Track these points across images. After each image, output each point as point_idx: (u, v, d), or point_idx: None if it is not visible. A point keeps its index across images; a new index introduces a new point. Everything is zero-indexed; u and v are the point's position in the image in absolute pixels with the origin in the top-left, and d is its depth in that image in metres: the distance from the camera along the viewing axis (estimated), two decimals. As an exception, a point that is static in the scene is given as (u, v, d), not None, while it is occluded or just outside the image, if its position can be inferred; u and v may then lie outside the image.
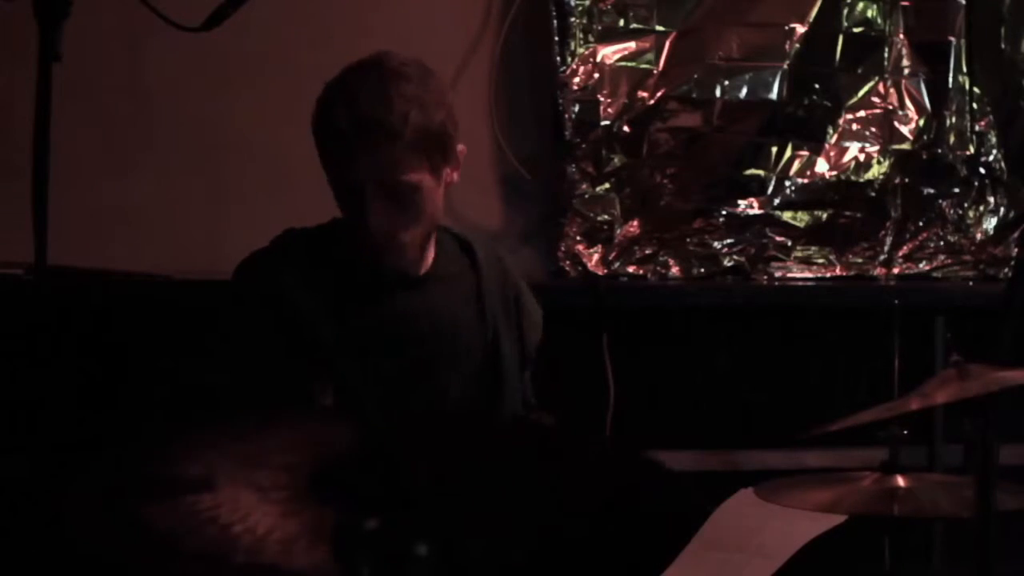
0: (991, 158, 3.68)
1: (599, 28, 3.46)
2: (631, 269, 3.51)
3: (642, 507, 1.49)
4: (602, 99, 3.45)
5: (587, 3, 3.44)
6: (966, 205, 3.68)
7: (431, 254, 2.53)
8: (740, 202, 3.55)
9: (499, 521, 1.49)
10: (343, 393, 2.40)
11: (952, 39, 3.63)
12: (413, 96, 2.34)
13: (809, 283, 3.60)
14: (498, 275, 2.64)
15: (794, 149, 3.58)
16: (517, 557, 1.54)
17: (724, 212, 3.54)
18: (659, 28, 3.50)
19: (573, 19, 3.43)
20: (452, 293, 2.55)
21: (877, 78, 3.62)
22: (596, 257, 3.48)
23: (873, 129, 3.62)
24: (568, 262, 3.46)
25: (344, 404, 2.39)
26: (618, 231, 3.49)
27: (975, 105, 3.67)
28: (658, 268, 3.52)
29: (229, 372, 2.40)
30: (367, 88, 2.35)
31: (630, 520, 1.53)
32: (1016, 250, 3.67)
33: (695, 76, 3.50)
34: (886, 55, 3.62)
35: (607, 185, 3.48)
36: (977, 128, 3.67)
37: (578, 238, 3.47)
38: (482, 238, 2.69)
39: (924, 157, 3.65)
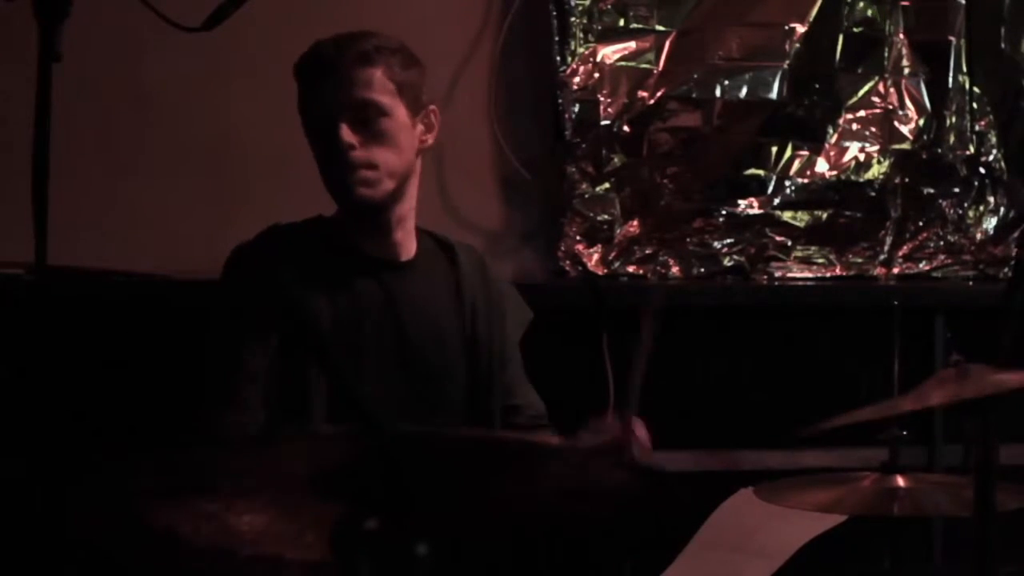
0: (991, 158, 3.68)
1: (599, 28, 3.46)
2: (631, 269, 3.51)
3: (640, 509, 1.49)
4: (602, 99, 3.45)
5: (587, 3, 3.44)
6: (966, 205, 3.68)
7: (413, 243, 2.58)
8: (740, 202, 3.55)
9: (498, 522, 1.49)
10: (337, 386, 2.41)
11: (952, 39, 3.63)
12: (386, 42, 2.56)
13: (809, 283, 3.60)
14: (480, 277, 2.67)
15: (794, 149, 3.58)
16: (515, 557, 1.54)
17: (724, 212, 3.54)
18: (659, 28, 3.50)
19: (573, 19, 3.43)
20: (432, 285, 2.60)
21: (877, 78, 3.62)
22: (596, 257, 3.47)
23: (873, 129, 3.62)
24: (568, 262, 3.46)
25: (338, 396, 2.40)
26: (618, 231, 3.49)
27: (975, 105, 3.67)
28: (658, 268, 3.52)
29: (229, 370, 2.42)
30: (348, 33, 2.58)
31: (628, 521, 1.53)
32: (1016, 250, 3.67)
33: (695, 76, 3.50)
34: (886, 55, 3.63)
35: (607, 185, 3.48)
36: (977, 128, 3.67)
37: (578, 238, 3.47)
38: (465, 245, 2.74)
39: (924, 157, 3.65)
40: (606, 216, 3.48)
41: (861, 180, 3.61)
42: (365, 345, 2.48)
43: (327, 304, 2.46)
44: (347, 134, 2.47)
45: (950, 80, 3.64)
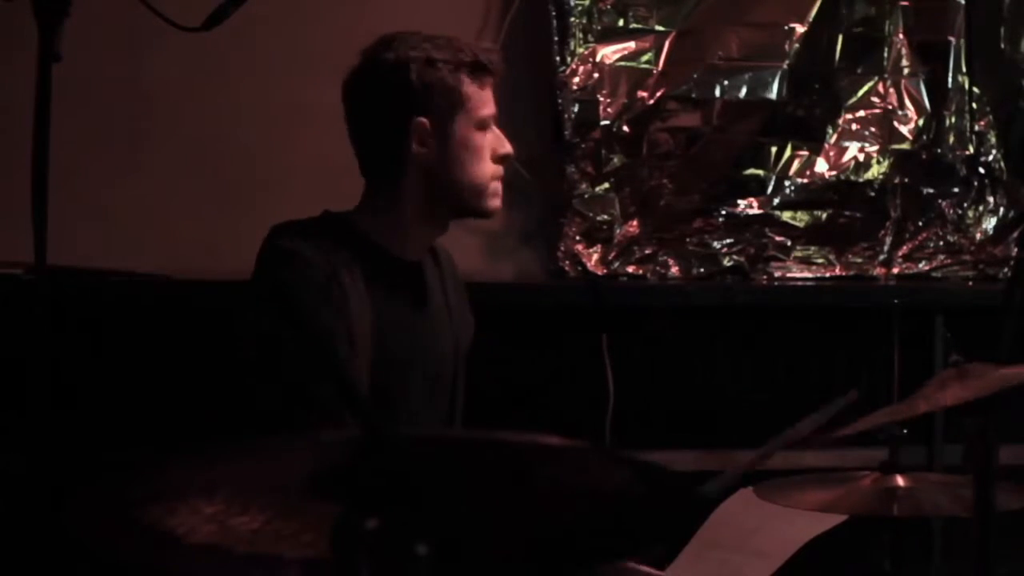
0: (991, 158, 3.68)
1: (599, 28, 3.46)
2: (631, 269, 3.51)
3: (641, 507, 1.49)
4: (602, 99, 3.45)
5: (587, 3, 3.44)
6: (966, 205, 3.68)
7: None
8: (740, 202, 3.55)
9: (499, 521, 1.49)
10: (345, 392, 2.39)
11: (952, 39, 3.64)
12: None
13: (809, 283, 3.60)
14: (452, 272, 2.68)
15: (794, 149, 3.58)
16: (516, 557, 1.54)
17: (724, 212, 3.54)
18: (659, 28, 3.50)
19: (573, 19, 3.43)
20: (431, 284, 2.59)
21: (877, 78, 3.62)
22: (596, 257, 3.48)
23: (873, 129, 3.62)
24: (568, 262, 3.46)
25: (347, 402, 2.38)
26: (618, 231, 3.49)
27: (975, 105, 3.67)
28: (658, 268, 3.52)
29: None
30: (456, 40, 2.57)
31: (630, 520, 1.53)
32: (1016, 250, 3.67)
33: (695, 76, 3.50)
34: (886, 55, 3.63)
35: (607, 185, 3.48)
36: (977, 128, 3.67)
37: (578, 238, 3.47)
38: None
39: (924, 157, 3.65)
40: (606, 216, 3.48)
41: (861, 180, 3.61)
42: (392, 345, 2.46)
43: (354, 304, 2.42)
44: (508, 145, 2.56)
45: (950, 80, 3.64)
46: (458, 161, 2.50)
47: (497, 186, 2.54)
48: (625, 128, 3.47)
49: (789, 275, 3.59)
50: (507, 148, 2.55)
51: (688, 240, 3.53)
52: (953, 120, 3.66)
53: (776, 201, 3.57)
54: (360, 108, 2.52)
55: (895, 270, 3.65)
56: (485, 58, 2.52)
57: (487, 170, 2.52)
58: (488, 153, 2.52)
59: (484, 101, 2.51)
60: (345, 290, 2.39)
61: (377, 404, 2.35)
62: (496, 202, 2.55)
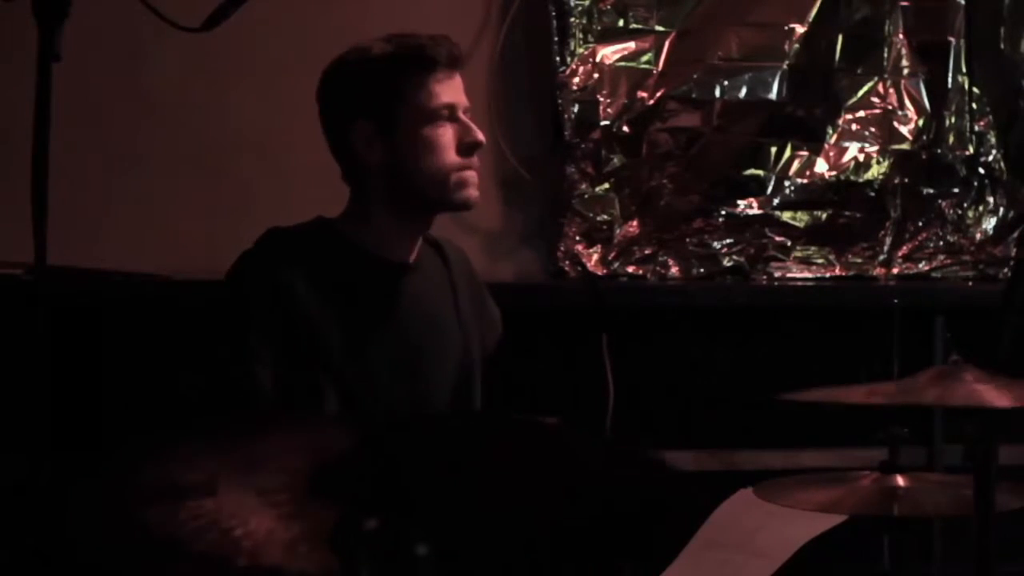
0: (990, 158, 3.68)
1: (599, 28, 3.47)
2: (631, 269, 3.51)
3: (642, 505, 1.49)
4: (602, 99, 3.46)
5: (587, 3, 3.45)
6: (965, 205, 3.68)
7: (418, 242, 2.56)
8: (740, 202, 3.55)
9: (498, 521, 1.49)
10: (345, 391, 2.40)
11: (952, 39, 3.64)
12: None
13: (809, 283, 3.60)
14: (466, 273, 2.66)
15: (793, 149, 3.58)
16: (516, 557, 1.54)
17: (724, 212, 3.54)
18: (659, 28, 3.50)
19: (573, 19, 3.43)
20: (432, 285, 2.57)
21: (876, 78, 3.62)
22: (596, 257, 3.48)
23: (872, 129, 3.62)
24: (568, 262, 3.46)
25: (345, 402, 2.39)
26: (617, 231, 3.49)
27: (974, 105, 3.67)
28: (658, 268, 3.52)
29: (243, 373, 2.39)
30: (414, 34, 2.52)
31: (630, 518, 1.53)
32: (1016, 250, 3.67)
33: (695, 76, 3.50)
34: (886, 55, 3.63)
35: (607, 185, 3.48)
36: (976, 128, 3.67)
37: (578, 238, 3.47)
38: (449, 241, 2.71)
39: (923, 157, 3.65)
40: (606, 216, 3.48)
41: (861, 180, 3.61)
42: (374, 349, 2.45)
43: (336, 310, 2.44)
44: (479, 133, 2.48)
45: (949, 80, 3.64)
46: (409, 156, 2.45)
47: (466, 176, 2.48)
48: (625, 128, 3.47)
49: (789, 275, 3.59)
50: (475, 136, 2.48)
51: (688, 240, 3.54)
52: (953, 120, 3.66)
53: (776, 201, 3.57)
54: (320, 116, 2.52)
55: (895, 270, 3.65)
56: (432, 48, 2.46)
57: (447, 161, 2.45)
58: (448, 144, 2.46)
59: (433, 92, 2.45)
60: (290, 318, 2.39)
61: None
62: (469, 192, 2.48)
